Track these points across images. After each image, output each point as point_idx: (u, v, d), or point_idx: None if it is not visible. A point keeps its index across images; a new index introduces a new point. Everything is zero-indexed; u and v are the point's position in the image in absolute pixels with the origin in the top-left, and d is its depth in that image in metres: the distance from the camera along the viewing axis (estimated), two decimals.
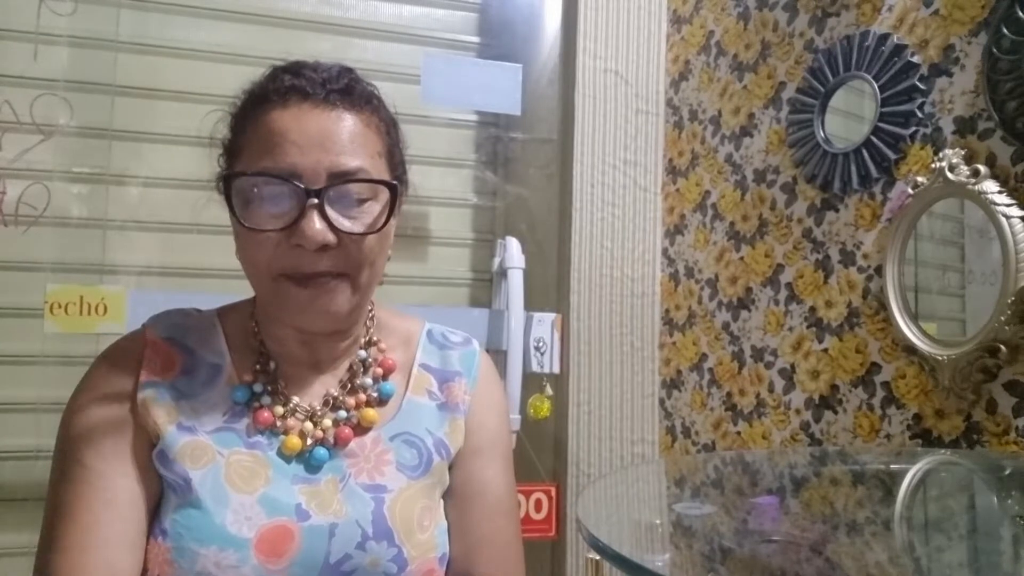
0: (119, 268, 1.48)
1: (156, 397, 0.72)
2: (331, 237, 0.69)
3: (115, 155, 1.50)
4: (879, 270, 1.11)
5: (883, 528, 0.74)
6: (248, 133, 0.72)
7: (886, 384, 1.10)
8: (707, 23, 1.58)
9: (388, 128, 0.78)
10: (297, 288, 0.71)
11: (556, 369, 1.60)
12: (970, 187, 0.95)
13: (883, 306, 1.10)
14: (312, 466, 0.74)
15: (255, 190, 0.70)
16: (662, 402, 1.65)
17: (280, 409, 0.75)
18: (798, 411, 1.26)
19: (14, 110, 1.43)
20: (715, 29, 1.56)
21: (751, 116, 1.43)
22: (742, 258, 1.43)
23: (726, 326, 1.46)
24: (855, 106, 1.19)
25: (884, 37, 1.12)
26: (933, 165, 1.02)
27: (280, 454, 0.73)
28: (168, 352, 0.75)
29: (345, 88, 0.73)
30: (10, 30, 1.45)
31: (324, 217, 0.69)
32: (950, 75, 1.03)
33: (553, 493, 1.56)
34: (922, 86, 1.06)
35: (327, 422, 0.76)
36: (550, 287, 1.67)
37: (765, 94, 1.40)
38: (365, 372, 0.80)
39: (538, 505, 1.55)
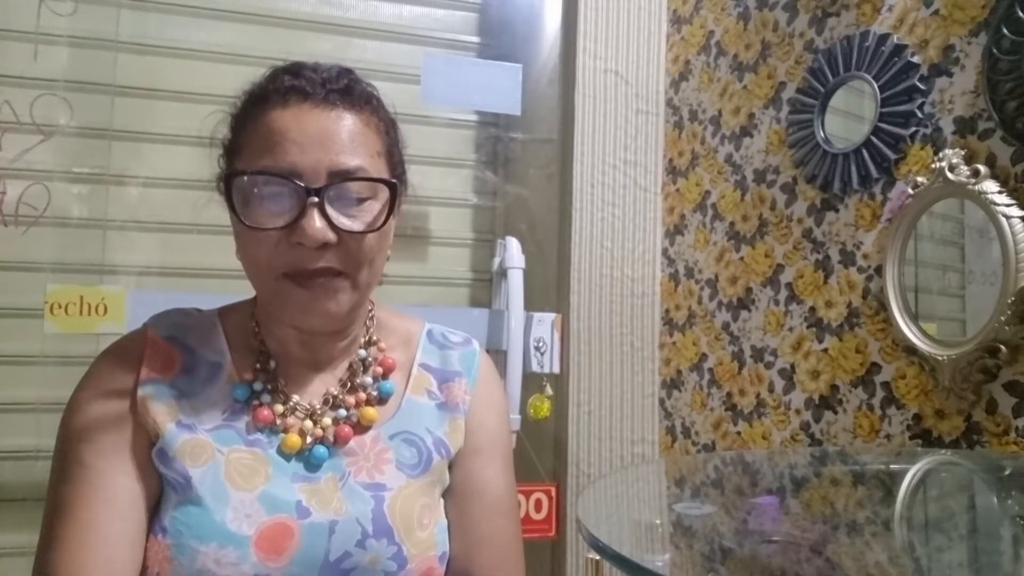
0: (119, 268, 1.48)
1: (156, 395, 0.73)
2: (331, 235, 0.70)
3: (115, 155, 1.50)
4: (879, 270, 1.11)
5: (883, 528, 0.74)
6: (248, 133, 0.73)
7: (886, 384, 1.10)
8: (707, 23, 1.58)
9: (387, 128, 0.78)
10: (297, 289, 0.71)
11: (556, 369, 1.60)
12: (970, 187, 0.95)
13: (883, 306, 1.10)
14: (312, 464, 0.74)
15: (255, 189, 0.70)
16: (662, 402, 1.65)
17: (280, 407, 0.75)
18: (798, 411, 1.26)
19: (14, 110, 1.43)
20: (715, 29, 1.56)
21: (751, 116, 1.43)
22: (742, 258, 1.43)
23: (726, 326, 1.46)
24: (855, 106, 1.19)
25: (884, 37, 1.12)
26: (933, 165, 1.02)
27: (280, 452, 0.74)
28: (168, 351, 0.76)
29: (345, 88, 0.74)
30: (10, 30, 1.45)
31: (324, 215, 0.69)
32: (950, 75, 1.03)
33: (553, 493, 1.56)
34: (922, 86, 1.06)
35: (327, 420, 0.76)
36: (550, 287, 1.67)
37: (765, 94, 1.40)
38: (365, 371, 0.81)
39: (538, 505, 1.55)
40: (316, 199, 0.69)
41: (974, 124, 0.99)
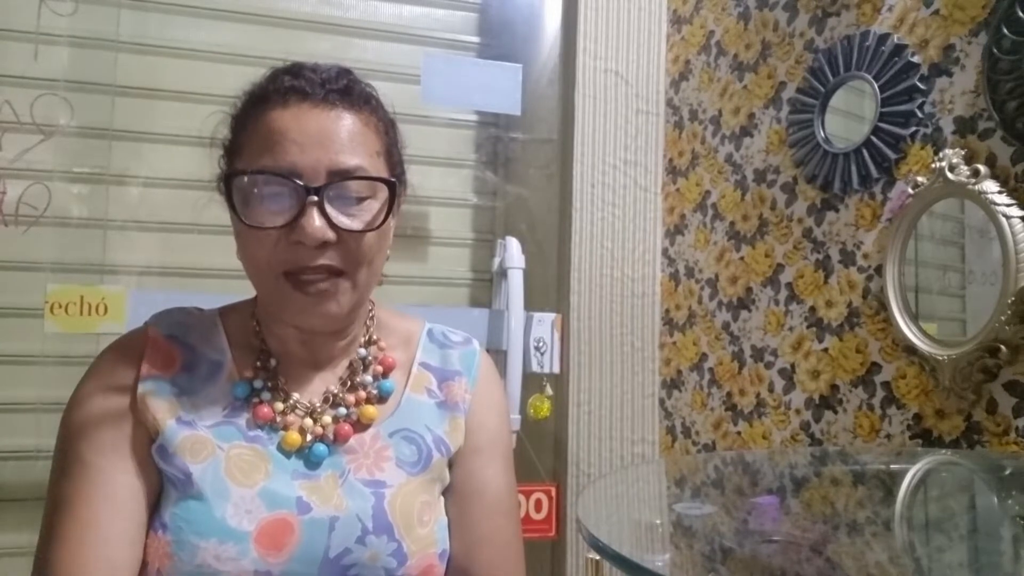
0: (119, 268, 1.48)
1: (156, 392, 0.73)
2: (330, 234, 0.70)
3: (115, 155, 1.50)
4: (879, 270, 1.11)
5: (883, 528, 0.74)
6: (248, 133, 0.73)
7: (886, 384, 1.10)
8: (707, 23, 1.58)
9: (387, 128, 0.79)
10: (297, 290, 0.72)
11: (556, 369, 1.60)
12: (970, 187, 0.95)
13: (883, 306, 1.10)
14: (312, 462, 0.74)
15: (255, 189, 0.71)
16: (662, 402, 1.65)
17: (280, 405, 0.76)
18: (798, 411, 1.26)
19: (14, 110, 1.43)
20: (715, 29, 1.56)
21: (751, 116, 1.43)
22: (742, 258, 1.43)
23: (726, 326, 1.46)
24: (855, 106, 1.19)
25: (884, 37, 1.12)
26: (933, 165, 1.02)
27: (280, 449, 0.74)
28: (169, 349, 0.76)
29: (344, 88, 0.74)
30: (10, 30, 1.45)
31: (324, 214, 0.70)
32: (950, 75, 1.03)
33: (553, 493, 1.56)
34: (922, 86, 1.06)
35: (327, 419, 0.76)
36: (550, 287, 1.67)
37: (765, 94, 1.40)
38: (365, 370, 0.81)
39: (538, 505, 1.55)
40: (315, 198, 0.69)
41: (974, 124, 0.99)
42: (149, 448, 0.72)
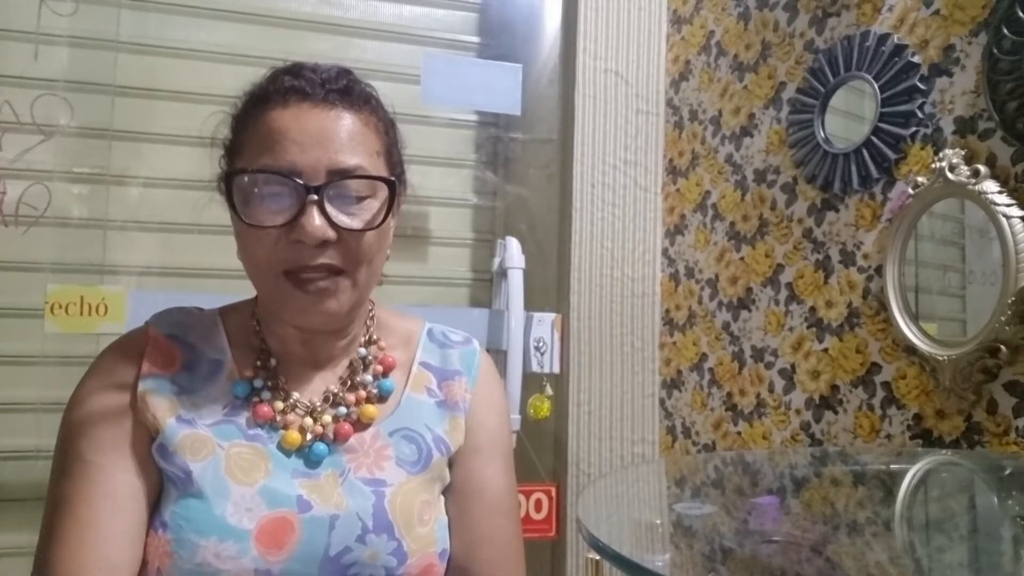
0: (119, 268, 1.48)
1: (156, 391, 0.73)
2: (330, 233, 0.70)
3: (115, 155, 1.50)
4: (879, 270, 1.11)
5: (884, 528, 0.74)
6: (249, 132, 0.73)
7: (886, 384, 1.10)
8: (707, 23, 1.58)
9: (386, 128, 0.79)
10: (297, 289, 0.72)
11: (556, 369, 1.60)
12: (970, 187, 0.95)
13: (883, 306, 1.10)
14: (312, 461, 0.75)
15: (256, 188, 0.71)
16: (662, 402, 1.65)
17: (280, 404, 0.76)
18: (798, 411, 1.26)
19: (14, 110, 1.43)
20: (715, 29, 1.56)
21: (751, 116, 1.43)
22: (742, 258, 1.43)
23: (726, 326, 1.46)
24: (855, 106, 1.19)
25: (884, 37, 1.12)
26: (933, 165, 1.02)
27: (280, 448, 0.74)
28: (169, 348, 0.76)
29: (344, 88, 0.74)
30: (10, 30, 1.45)
31: (324, 213, 0.70)
32: (950, 75, 1.03)
33: (553, 493, 1.56)
34: (922, 86, 1.06)
35: (327, 418, 0.76)
36: (550, 287, 1.67)
37: (765, 94, 1.40)
38: (365, 369, 0.81)
39: (538, 505, 1.55)
40: (315, 197, 0.69)
41: (974, 124, 0.99)
42: (149, 447, 0.72)
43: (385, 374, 0.82)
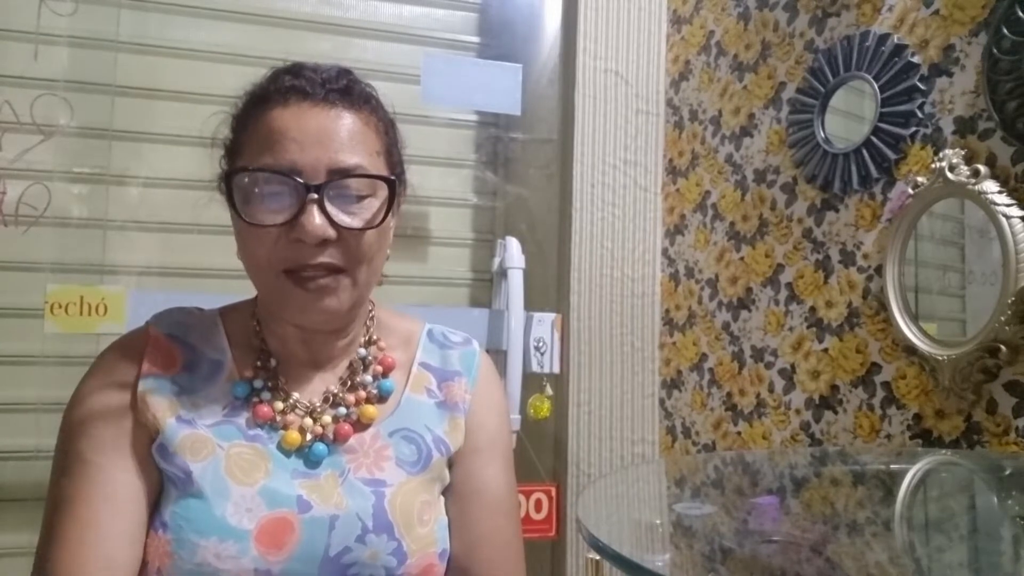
0: (119, 268, 1.48)
1: (156, 391, 0.73)
2: (331, 232, 0.70)
3: (115, 155, 1.50)
4: (879, 270, 1.11)
5: (883, 528, 0.74)
6: (249, 132, 0.74)
7: (886, 384, 1.10)
8: (707, 23, 1.58)
9: (386, 128, 0.79)
10: (297, 287, 0.72)
11: (556, 369, 1.60)
12: (970, 187, 0.95)
13: (883, 306, 1.10)
14: (311, 461, 0.75)
15: (256, 188, 0.71)
16: (662, 402, 1.65)
17: (280, 404, 0.76)
18: (798, 411, 1.26)
19: (14, 110, 1.43)
20: (715, 29, 1.56)
21: (751, 116, 1.43)
22: (742, 258, 1.43)
23: (726, 326, 1.46)
24: (855, 106, 1.19)
25: (884, 37, 1.12)
26: (933, 165, 1.02)
27: (280, 448, 0.74)
28: (170, 348, 0.76)
29: (344, 88, 0.75)
30: (10, 30, 1.45)
31: (324, 212, 0.70)
32: (950, 75, 1.03)
33: (553, 493, 1.56)
34: (922, 86, 1.06)
35: (327, 418, 0.76)
36: (550, 287, 1.67)
37: (765, 94, 1.40)
38: (365, 370, 0.81)
39: (538, 505, 1.55)
40: (315, 196, 0.70)
41: (974, 124, 0.99)
42: (149, 447, 0.72)
43: (385, 374, 0.82)
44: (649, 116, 1.69)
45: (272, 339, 0.79)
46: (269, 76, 0.76)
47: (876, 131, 1.12)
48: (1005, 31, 0.93)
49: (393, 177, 0.75)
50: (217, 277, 1.50)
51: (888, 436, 1.09)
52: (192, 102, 1.53)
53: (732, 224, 1.46)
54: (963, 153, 0.98)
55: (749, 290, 1.40)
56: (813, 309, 1.25)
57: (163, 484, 0.72)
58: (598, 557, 0.69)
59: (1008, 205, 0.91)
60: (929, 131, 1.06)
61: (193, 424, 0.72)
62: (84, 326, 1.34)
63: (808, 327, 1.25)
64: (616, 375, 1.62)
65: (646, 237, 1.66)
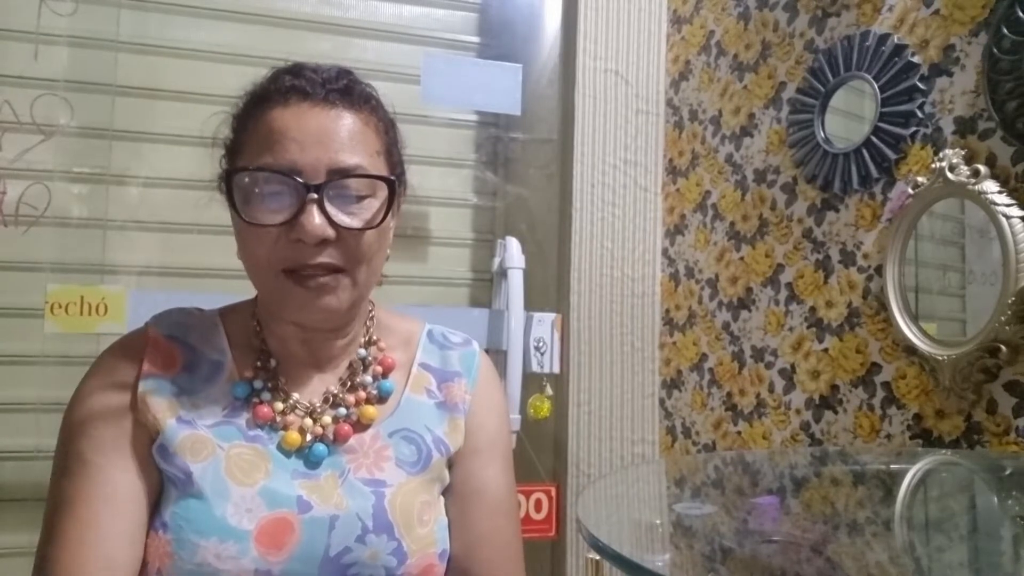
0: (119, 268, 1.48)
1: (156, 391, 0.73)
2: (330, 232, 0.70)
3: (115, 155, 1.50)
4: (879, 270, 1.11)
5: (884, 528, 0.74)
6: (249, 132, 0.74)
7: (886, 384, 1.10)
8: (707, 23, 1.58)
9: (387, 128, 0.79)
10: (297, 286, 0.72)
11: (556, 369, 1.60)
12: (970, 187, 0.95)
13: (883, 306, 1.10)
14: (311, 462, 0.75)
15: (256, 187, 0.71)
16: (662, 402, 1.65)
17: (280, 405, 0.76)
18: (798, 411, 1.26)
19: (14, 110, 1.43)
20: (715, 29, 1.56)
21: (751, 116, 1.43)
22: (742, 258, 1.43)
23: (726, 326, 1.46)
24: (855, 106, 1.19)
25: (884, 37, 1.12)
26: (933, 165, 1.02)
27: (280, 449, 0.74)
28: (169, 349, 0.76)
29: (344, 88, 0.75)
30: (10, 30, 1.45)
31: (323, 212, 0.70)
32: (950, 75, 1.03)
33: (553, 493, 1.56)
34: (922, 86, 1.06)
35: (327, 419, 0.76)
36: (550, 287, 1.67)
37: (765, 94, 1.40)
38: (365, 370, 0.81)
39: (538, 505, 1.55)
40: (315, 196, 0.70)
41: (974, 124, 0.99)
42: (149, 447, 0.72)
43: (385, 375, 0.82)
44: (649, 116, 1.69)
45: (272, 339, 0.79)
46: (269, 76, 0.76)
47: (876, 131, 1.12)
48: (1005, 31, 0.93)
49: (393, 177, 0.75)
50: (217, 277, 1.50)
51: (888, 436, 1.09)
52: (192, 102, 1.53)
53: (732, 224, 1.46)
54: (963, 153, 0.98)
55: (749, 290, 1.40)
56: (813, 309, 1.25)
57: (163, 484, 0.72)
58: (598, 557, 0.69)
59: (1008, 205, 0.91)
60: (929, 131, 1.06)
61: (193, 425, 0.72)
62: (84, 326, 1.34)
63: (808, 327, 1.25)
64: (616, 375, 1.62)
65: (646, 237, 1.66)
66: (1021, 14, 0.91)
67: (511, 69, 1.58)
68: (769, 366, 1.34)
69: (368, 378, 0.80)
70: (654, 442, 1.64)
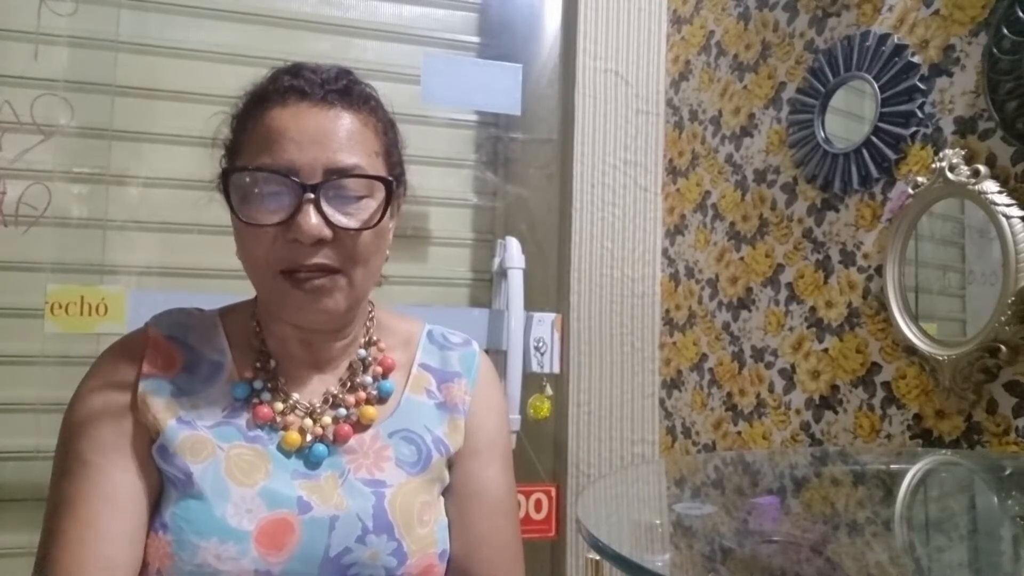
0: (119, 268, 1.48)
1: (156, 392, 0.73)
2: (326, 232, 0.70)
3: (115, 155, 1.50)
4: (879, 270, 1.11)
5: (884, 528, 0.74)
6: (248, 132, 0.74)
7: (886, 384, 1.10)
8: (707, 23, 1.58)
9: (386, 128, 0.79)
10: (294, 287, 0.72)
11: (556, 369, 1.60)
12: (970, 187, 0.95)
13: (883, 306, 1.10)
14: (311, 462, 0.75)
15: (254, 188, 0.71)
16: (662, 402, 1.65)
17: (280, 405, 0.76)
18: (798, 411, 1.26)
19: (14, 110, 1.43)
20: (715, 29, 1.56)
21: (751, 116, 1.43)
22: (742, 258, 1.43)
23: (726, 326, 1.46)
24: (855, 106, 1.19)
25: (884, 37, 1.12)
26: (933, 165, 1.02)
27: (280, 449, 0.74)
28: (169, 349, 0.76)
29: (343, 89, 0.75)
30: (10, 30, 1.45)
31: (320, 212, 0.70)
32: (950, 75, 1.03)
33: (553, 493, 1.56)
34: (922, 86, 1.06)
35: (327, 419, 0.76)
36: (550, 287, 1.67)
37: (765, 94, 1.40)
38: (365, 371, 0.81)
39: (538, 505, 1.55)
40: (312, 196, 0.69)
41: (974, 124, 0.99)
42: (149, 448, 0.72)
43: (385, 375, 0.82)
44: (649, 116, 1.69)
45: (272, 340, 0.79)
46: (269, 76, 0.76)
47: (876, 131, 1.12)
48: (1005, 31, 0.93)
49: (391, 178, 0.74)
50: (217, 277, 1.50)
51: (888, 436, 1.09)
52: (192, 102, 1.53)
53: (732, 224, 1.46)
54: (963, 153, 0.98)
55: (749, 290, 1.40)
56: (813, 309, 1.25)
57: (163, 485, 0.72)
58: (598, 557, 0.69)
59: (1008, 205, 0.91)
60: (929, 131, 1.06)
61: (193, 425, 0.72)
62: (84, 326, 1.34)
63: (808, 327, 1.25)
64: (616, 375, 1.62)
65: (646, 237, 1.66)
66: (1021, 14, 0.91)
67: (511, 69, 1.58)
68: (769, 366, 1.34)
69: (368, 378, 0.80)
70: (654, 442, 1.64)
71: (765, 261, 1.37)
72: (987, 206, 0.93)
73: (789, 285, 1.31)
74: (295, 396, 0.77)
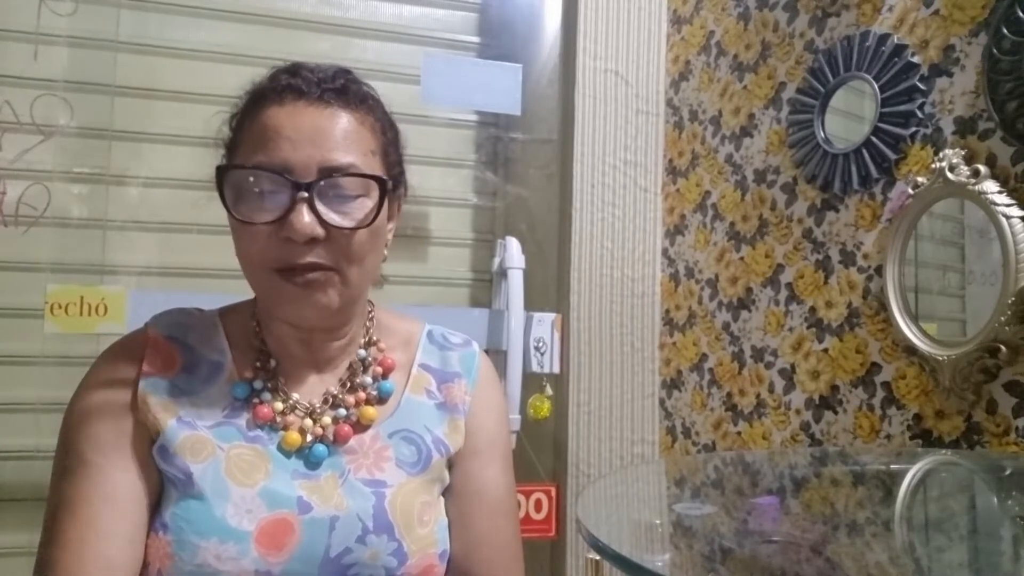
0: (119, 268, 1.48)
1: (156, 392, 0.73)
2: (319, 230, 0.70)
3: (115, 155, 1.50)
4: (879, 270, 1.11)
5: (883, 528, 0.74)
6: (245, 130, 0.74)
7: (886, 384, 1.10)
8: (707, 23, 1.58)
9: (384, 128, 0.79)
10: (288, 284, 0.72)
11: (556, 369, 1.60)
12: (970, 187, 0.95)
13: (883, 306, 1.10)
14: (312, 462, 0.75)
15: (250, 187, 0.71)
16: (662, 402, 1.65)
17: (280, 405, 0.76)
18: (798, 411, 1.26)
19: (14, 110, 1.43)
20: (715, 29, 1.56)
21: (751, 116, 1.43)
22: (742, 258, 1.43)
23: (726, 326, 1.46)
24: (855, 106, 1.19)
25: (884, 37, 1.12)
26: (933, 165, 1.02)
27: (280, 449, 0.74)
28: (169, 349, 0.76)
29: (341, 88, 0.75)
30: (10, 30, 1.45)
31: (313, 210, 0.70)
32: (950, 75, 1.03)
33: (553, 493, 1.56)
34: (922, 86, 1.06)
35: (327, 419, 0.76)
36: (550, 287, 1.67)
37: (765, 94, 1.40)
38: (365, 371, 0.81)
39: (538, 505, 1.55)
40: (305, 194, 0.69)
41: (974, 124, 0.99)
42: (150, 448, 0.72)
43: (385, 376, 0.82)
44: (649, 116, 1.69)
45: (271, 340, 0.79)
46: (268, 75, 0.76)
47: (876, 131, 1.12)
48: (1005, 31, 0.93)
49: (386, 178, 0.74)
50: (217, 277, 1.50)
51: (888, 436, 1.09)
52: (192, 102, 1.53)
53: (732, 224, 1.46)
54: (963, 153, 0.98)
55: (749, 290, 1.40)
56: (813, 309, 1.25)
57: (163, 485, 0.72)
58: (598, 557, 0.69)
59: (1008, 205, 0.91)
60: (929, 131, 1.06)
61: (193, 426, 0.72)
62: (84, 326, 1.34)
63: (808, 327, 1.25)
64: (616, 375, 1.62)
65: (646, 237, 1.66)
66: (1021, 14, 0.91)
67: (511, 69, 1.58)
68: (769, 366, 1.34)
69: (368, 379, 0.80)
70: (654, 442, 1.64)
71: (765, 261, 1.37)
72: (987, 206, 0.93)
73: (789, 285, 1.31)
74: (295, 396, 0.77)
